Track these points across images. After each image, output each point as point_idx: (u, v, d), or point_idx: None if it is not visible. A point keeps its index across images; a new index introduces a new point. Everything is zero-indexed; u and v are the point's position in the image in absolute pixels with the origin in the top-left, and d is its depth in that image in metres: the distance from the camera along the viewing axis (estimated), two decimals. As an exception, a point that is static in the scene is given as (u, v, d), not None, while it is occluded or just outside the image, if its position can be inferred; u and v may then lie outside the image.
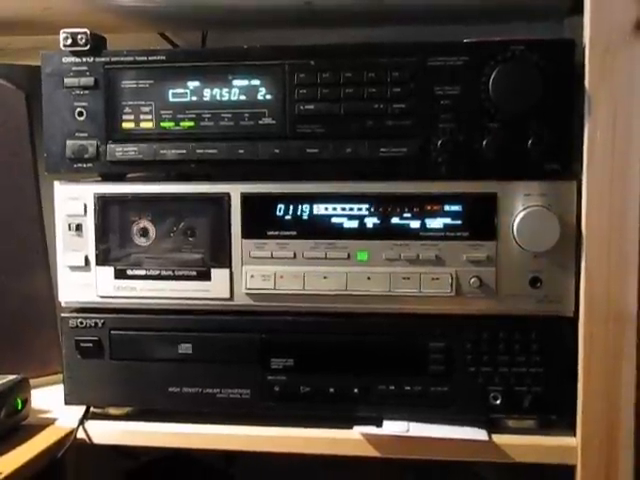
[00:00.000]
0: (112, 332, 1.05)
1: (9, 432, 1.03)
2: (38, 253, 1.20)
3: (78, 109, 1.02)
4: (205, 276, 1.03)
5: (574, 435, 0.98)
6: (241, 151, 1.00)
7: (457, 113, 0.96)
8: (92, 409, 1.07)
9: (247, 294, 1.02)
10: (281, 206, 1.01)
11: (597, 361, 0.94)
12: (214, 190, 1.02)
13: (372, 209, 0.99)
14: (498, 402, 0.99)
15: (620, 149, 0.92)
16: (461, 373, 0.99)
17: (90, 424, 1.06)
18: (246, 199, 1.01)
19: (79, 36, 1.01)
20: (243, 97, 1.00)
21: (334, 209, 1.00)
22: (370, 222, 0.99)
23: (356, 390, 1.01)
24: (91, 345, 1.05)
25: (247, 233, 1.01)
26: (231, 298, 1.03)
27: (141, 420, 1.06)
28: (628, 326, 0.94)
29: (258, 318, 1.03)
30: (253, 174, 1.02)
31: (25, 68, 1.19)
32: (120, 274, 1.04)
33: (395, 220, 0.99)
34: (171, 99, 1.01)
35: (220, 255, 1.02)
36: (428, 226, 0.99)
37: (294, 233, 1.01)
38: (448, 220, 0.98)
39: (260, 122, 1.00)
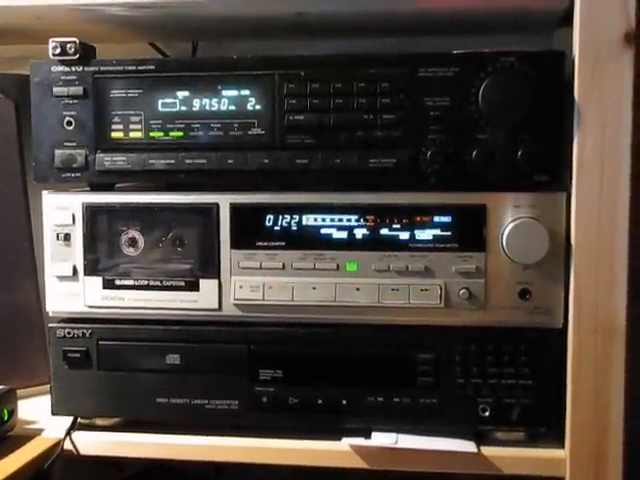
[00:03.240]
0: (100, 342, 1.04)
1: (-5, 443, 1.02)
2: (26, 263, 1.20)
3: (67, 118, 1.02)
4: (194, 286, 1.02)
5: (563, 447, 0.97)
6: (230, 161, 1.00)
7: (447, 124, 0.96)
8: (79, 420, 1.07)
9: (235, 305, 1.02)
10: (270, 217, 1.00)
11: (586, 373, 0.94)
12: (203, 200, 1.02)
13: (361, 220, 0.99)
14: (487, 414, 0.99)
15: (609, 160, 0.92)
16: (450, 385, 0.99)
17: (77, 435, 1.05)
18: (235, 209, 1.01)
19: (68, 45, 1.00)
20: (233, 107, 1.00)
21: (323, 220, 1.00)
22: (359, 233, 0.99)
23: (344, 401, 1.01)
24: (79, 355, 1.04)
25: (236, 243, 1.01)
26: (219, 309, 1.02)
27: (128, 431, 1.06)
28: (617, 338, 0.94)
29: (246, 329, 1.02)
30: (242, 184, 1.01)
31: (14, 77, 1.19)
32: (108, 284, 1.04)
33: (384, 231, 0.99)
34: (160, 109, 1.01)
35: (209, 265, 1.02)
36: (417, 237, 0.98)
37: (283, 244, 1.00)
38: (437, 231, 0.98)
39: (249, 132, 1.00)
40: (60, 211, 1.04)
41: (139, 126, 1.02)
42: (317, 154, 0.98)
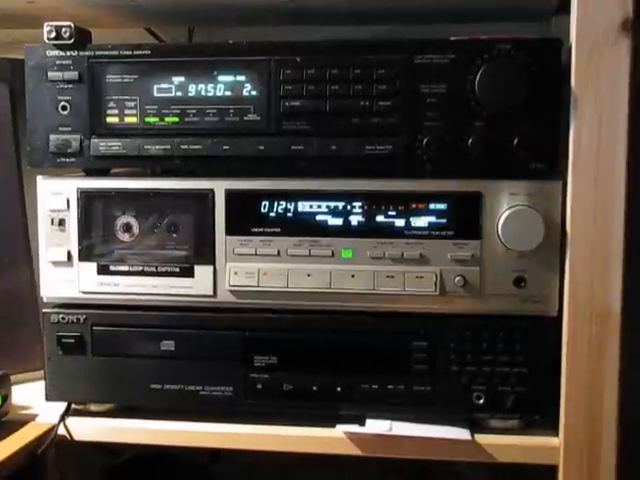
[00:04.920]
0: (94, 328, 1.04)
1: (-11, 428, 1.02)
2: (20, 248, 1.20)
3: (62, 103, 1.01)
4: (188, 273, 1.02)
5: (557, 435, 0.98)
6: (226, 147, 0.99)
7: (443, 111, 0.96)
8: (73, 405, 1.07)
9: (230, 291, 1.02)
10: (265, 203, 1.00)
11: (580, 361, 0.94)
12: (198, 186, 1.02)
13: (357, 207, 0.99)
14: (481, 402, 0.99)
15: (606, 148, 0.92)
16: (444, 372, 0.99)
17: (71, 421, 1.05)
18: (230, 196, 1.01)
19: (63, 29, 1.00)
20: (228, 93, 1.00)
21: (319, 206, 1.00)
22: (355, 220, 0.99)
23: (339, 388, 1.01)
24: (73, 341, 1.04)
25: (231, 230, 1.01)
26: (214, 295, 1.02)
27: (123, 417, 1.06)
28: (612, 326, 0.94)
29: (241, 315, 1.02)
30: (238, 171, 1.01)
31: (9, 61, 1.18)
32: (103, 270, 1.04)
33: (380, 218, 0.99)
34: (156, 94, 1.01)
35: (204, 252, 1.02)
36: (413, 224, 0.98)
37: (278, 230, 1.00)
38: (433, 219, 0.98)
39: (245, 118, 0.99)
40: (55, 196, 1.04)
41: (134, 111, 1.01)
42: (313, 140, 0.98)
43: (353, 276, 0.99)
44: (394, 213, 0.98)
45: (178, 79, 1.00)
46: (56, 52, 1.01)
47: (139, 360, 1.04)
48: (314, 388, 1.01)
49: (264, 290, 1.01)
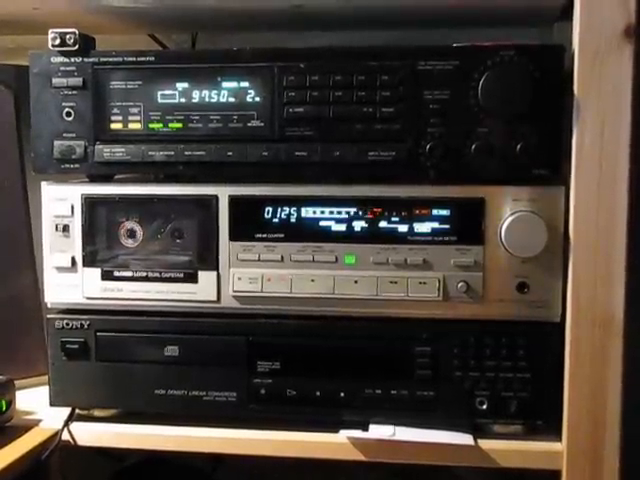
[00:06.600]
0: (98, 334, 1.04)
1: (-7, 434, 1.02)
2: (24, 254, 1.20)
3: (66, 109, 1.02)
4: (192, 278, 1.02)
5: (560, 441, 0.98)
6: (229, 153, 1.00)
7: (446, 117, 0.96)
8: (77, 411, 1.07)
9: (234, 297, 1.02)
10: (269, 209, 1.01)
11: (583, 367, 0.94)
12: (202, 192, 1.02)
13: (360, 213, 0.99)
14: (484, 407, 0.99)
15: (608, 154, 0.92)
16: (447, 378, 0.99)
17: (75, 426, 1.05)
18: (234, 201, 1.01)
19: (68, 36, 1.00)
20: (232, 99, 1.00)
21: (322, 212, 1.00)
22: (358, 226, 0.99)
23: (342, 394, 1.01)
24: (77, 346, 1.04)
25: (235, 235, 1.01)
26: (218, 300, 1.02)
27: (127, 422, 1.06)
28: (615, 332, 0.94)
29: (245, 321, 1.02)
30: (241, 176, 1.01)
31: (13, 68, 1.19)
32: (107, 275, 1.04)
33: (383, 224, 0.99)
34: (160, 100, 1.01)
35: (207, 257, 1.02)
36: (416, 230, 0.98)
37: (282, 236, 1.00)
38: (436, 224, 0.98)
39: (249, 124, 1.00)
40: (59, 202, 1.04)
41: (138, 117, 1.01)
42: (316, 146, 0.98)
43: (356, 282, 0.99)
44: (397, 219, 0.99)
45: (182, 85, 1.01)
46: (60, 59, 1.02)
47: (143, 365, 1.04)
48: (317, 393, 1.02)
49: (267, 295, 1.01)
